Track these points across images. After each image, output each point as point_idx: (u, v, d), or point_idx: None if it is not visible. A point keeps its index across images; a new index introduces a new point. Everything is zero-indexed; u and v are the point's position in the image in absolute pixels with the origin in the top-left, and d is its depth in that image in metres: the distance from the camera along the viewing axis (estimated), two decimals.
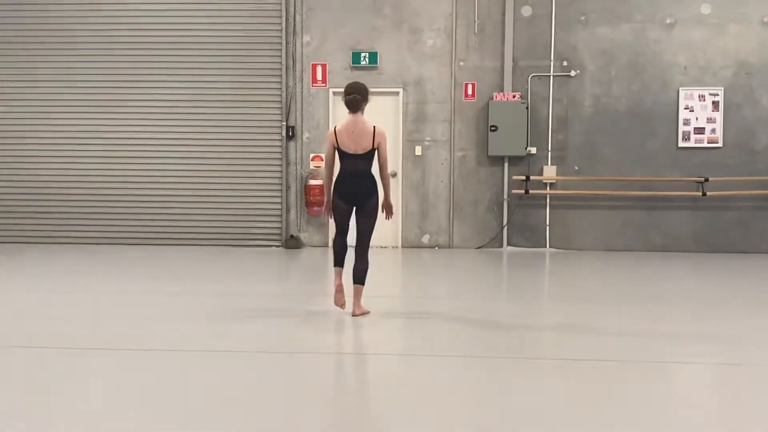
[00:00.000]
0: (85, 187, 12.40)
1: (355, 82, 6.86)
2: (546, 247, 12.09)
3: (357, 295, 6.84)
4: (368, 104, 6.84)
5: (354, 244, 6.87)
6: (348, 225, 6.90)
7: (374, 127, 6.70)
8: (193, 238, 12.29)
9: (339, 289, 6.81)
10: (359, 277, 6.82)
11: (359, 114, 6.71)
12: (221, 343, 5.97)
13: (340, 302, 6.83)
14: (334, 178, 6.83)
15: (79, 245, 12.19)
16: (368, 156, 6.72)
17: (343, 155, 6.74)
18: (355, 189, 6.71)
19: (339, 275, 6.89)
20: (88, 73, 12.32)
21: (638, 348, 5.94)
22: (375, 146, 6.68)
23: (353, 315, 6.81)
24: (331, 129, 6.81)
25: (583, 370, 5.35)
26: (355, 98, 6.65)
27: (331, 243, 7.03)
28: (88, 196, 12.39)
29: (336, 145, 6.72)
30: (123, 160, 12.37)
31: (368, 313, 6.89)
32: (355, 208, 6.82)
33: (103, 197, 12.38)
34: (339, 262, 6.95)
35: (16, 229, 12.47)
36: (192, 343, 5.97)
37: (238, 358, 5.60)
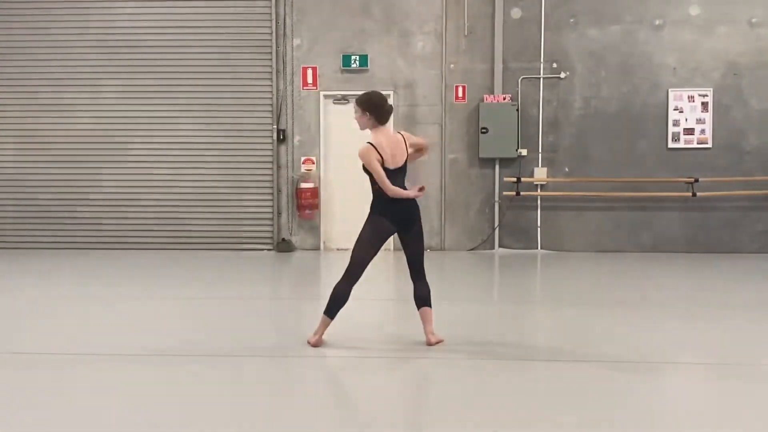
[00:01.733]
0: (76, 191, 12.33)
1: (378, 92, 6.11)
2: (537, 248, 12.10)
3: (430, 321, 6.06)
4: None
5: (411, 272, 6.04)
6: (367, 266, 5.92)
7: (400, 133, 5.97)
8: (184, 242, 12.24)
9: (319, 343, 5.99)
10: (427, 300, 6.03)
11: (386, 125, 5.93)
12: (214, 347, 5.95)
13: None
14: (380, 202, 5.83)
15: (69, 250, 12.10)
16: (404, 169, 5.91)
17: (387, 173, 5.75)
18: (408, 210, 5.85)
19: (325, 329, 5.97)
20: (82, 75, 12.27)
21: (632, 348, 5.96)
22: (408, 154, 5.89)
23: (429, 344, 6.01)
24: (365, 145, 5.77)
25: (577, 370, 5.36)
26: (391, 108, 5.96)
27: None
28: (79, 200, 12.32)
29: (380, 161, 5.75)
30: (114, 164, 12.32)
31: (443, 341, 6.09)
32: (404, 232, 5.92)
33: (93, 201, 12.31)
34: (335, 311, 5.90)
35: (9, 235, 12.43)
36: (185, 347, 5.95)
37: (234, 361, 5.58)
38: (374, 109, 5.84)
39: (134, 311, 7.47)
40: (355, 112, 5.93)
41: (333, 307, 5.85)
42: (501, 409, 4.61)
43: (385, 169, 5.73)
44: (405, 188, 5.83)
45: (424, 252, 6.05)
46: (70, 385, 5.08)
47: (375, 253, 5.88)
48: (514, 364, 5.60)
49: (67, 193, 12.36)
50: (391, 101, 12.01)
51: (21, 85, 12.35)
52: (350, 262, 5.85)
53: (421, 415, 4.48)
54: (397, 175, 5.80)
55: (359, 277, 5.85)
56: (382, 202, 5.83)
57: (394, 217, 5.82)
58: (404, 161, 5.85)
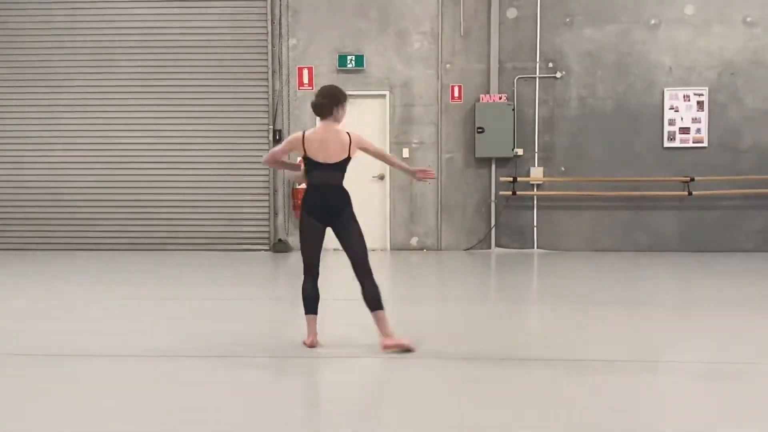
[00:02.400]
0: (72, 192, 12.33)
1: (327, 86, 6.04)
2: (534, 248, 12.10)
3: (382, 323, 5.72)
4: (346, 111, 5.95)
5: (355, 271, 5.81)
6: (318, 260, 5.86)
7: (348, 133, 5.81)
8: (180, 243, 12.23)
9: (315, 344, 5.86)
10: (376, 302, 5.71)
11: (330, 120, 5.82)
12: (212, 348, 5.94)
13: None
14: (303, 194, 5.86)
15: (66, 251, 12.09)
16: (340, 167, 5.79)
17: (313, 165, 5.77)
18: (326, 203, 5.75)
19: (314, 326, 5.84)
20: (77, 75, 12.27)
21: (628, 348, 5.96)
22: (352, 155, 5.81)
23: (385, 348, 5.70)
24: (299, 132, 5.88)
25: (573, 370, 5.36)
26: (321, 103, 5.81)
27: (301, 286, 5.85)
28: (75, 200, 12.32)
29: (304, 153, 5.75)
30: (110, 166, 12.31)
31: (406, 346, 5.72)
32: (333, 228, 5.83)
33: (89, 202, 12.31)
34: (313, 307, 5.83)
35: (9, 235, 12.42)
36: (180, 348, 5.94)
37: (229, 362, 5.58)
38: (312, 102, 5.95)
39: (130, 312, 7.46)
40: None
41: (308, 305, 5.86)
42: (494, 411, 4.61)
43: (311, 161, 5.75)
44: (334, 185, 5.78)
45: (368, 249, 5.91)
46: (66, 385, 5.07)
47: (317, 247, 5.84)
48: (508, 364, 5.60)
49: (63, 193, 12.34)
50: (386, 101, 12.04)
51: (20, 85, 12.33)
52: (302, 260, 5.92)
53: (410, 417, 4.49)
54: (326, 170, 5.75)
55: (315, 271, 5.86)
56: (305, 192, 5.86)
57: (312, 209, 5.79)
58: (341, 160, 5.78)
